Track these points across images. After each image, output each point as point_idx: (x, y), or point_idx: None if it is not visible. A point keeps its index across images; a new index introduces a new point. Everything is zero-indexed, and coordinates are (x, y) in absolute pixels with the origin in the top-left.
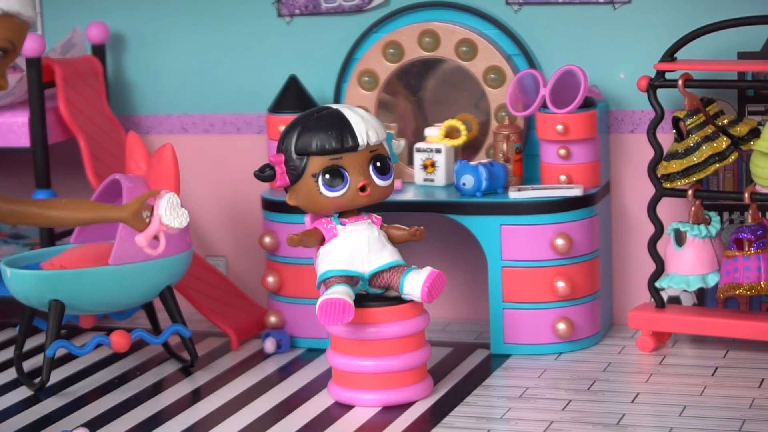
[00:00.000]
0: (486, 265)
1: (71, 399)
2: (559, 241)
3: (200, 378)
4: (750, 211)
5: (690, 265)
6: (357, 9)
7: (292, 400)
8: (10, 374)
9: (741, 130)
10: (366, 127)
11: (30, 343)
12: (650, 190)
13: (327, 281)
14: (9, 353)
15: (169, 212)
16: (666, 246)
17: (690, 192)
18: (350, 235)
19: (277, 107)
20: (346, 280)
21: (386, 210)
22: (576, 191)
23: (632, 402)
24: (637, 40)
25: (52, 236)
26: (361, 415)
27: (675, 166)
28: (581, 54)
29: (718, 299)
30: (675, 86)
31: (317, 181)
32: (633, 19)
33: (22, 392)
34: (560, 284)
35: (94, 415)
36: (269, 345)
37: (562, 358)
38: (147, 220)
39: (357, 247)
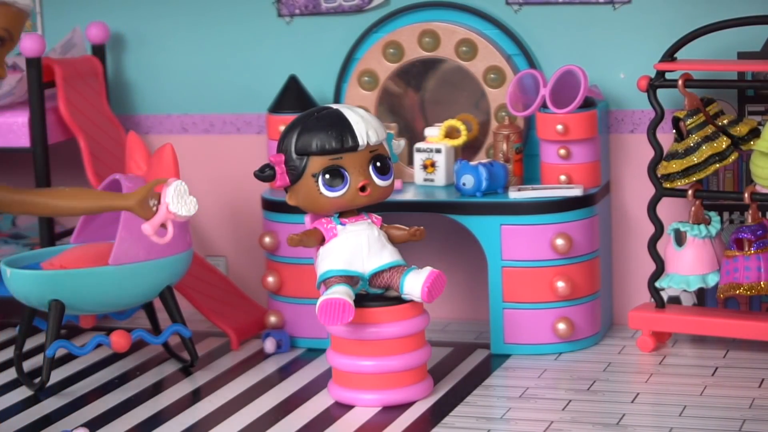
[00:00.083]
0: (486, 265)
1: (71, 399)
2: (559, 241)
3: (200, 378)
4: (750, 211)
5: (690, 265)
6: (357, 9)
7: (292, 400)
8: (10, 374)
9: (741, 130)
10: (366, 127)
11: (30, 343)
12: (650, 190)
13: (327, 281)
14: (9, 353)
15: (177, 200)
16: (666, 246)
17: (690, 192)
18: (350, 235)
19: (277, 107)
20: (346, 280)
21: (386, 210)
22: (576, 191)
23: (632, 402)
24: (637, 40)
25: (52, 236)
26: (361, 415)
27: (675, 166)
28: (581, 54)
29: (718, 299)
30: (675, 86)
31: (317, 181)
32: (633, 19)
33: (22, 392)
34: (560, 284)
35: (94, 415)
36: (269, 345)
37: (562, 358)
38: (154, 208)
39: (357, 247)
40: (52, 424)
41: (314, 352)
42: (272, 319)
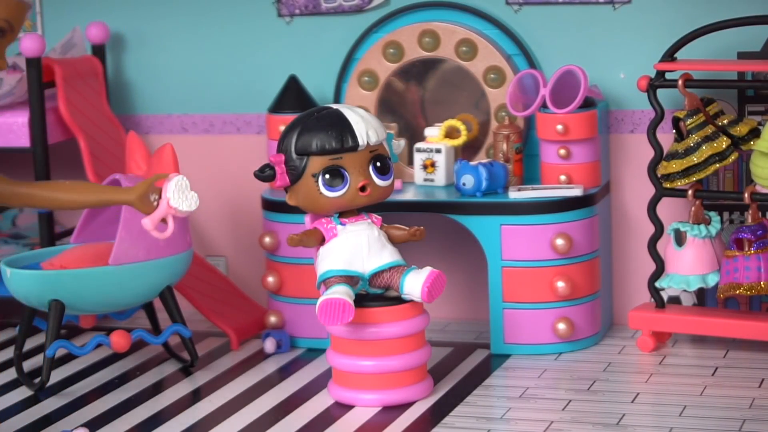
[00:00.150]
0: (486, 265)
1: (71, 399)
2: (559, 241)
3: (200, 378)
4: (750, 211)
5: (690, 265)
6: (357, 9)
7: (292, 400)
8: (10, 374)
9: (741, 130)
10: (366, 127)
11: (30, 343)
12: (650, 190)
13: (327, 281)
14: (9, 353)
15: (178, 195)
16: (666, 246)
17: (690, 192)
18: (350, 235)
19: (277, 107)
20: (346, 280)
21: (386, 210)
22: (576, 191)
23: (632, 402)
24: (637, 40)
25: (52, 236)
26: (361, 415)
27: (675, 166)
28: (581, 54)
29: (718, 299)
30: (675, 86)
31: (317, 181)
32: (633, 19)
33: (22, 392)
34: (560, 284)
35: (94, 415)
36: (269, 345)
37: (562, 358)
38: (155, 203)
39: (357, 247)
40: (52, 424)
41: (314, 352)
42: (272, 319)
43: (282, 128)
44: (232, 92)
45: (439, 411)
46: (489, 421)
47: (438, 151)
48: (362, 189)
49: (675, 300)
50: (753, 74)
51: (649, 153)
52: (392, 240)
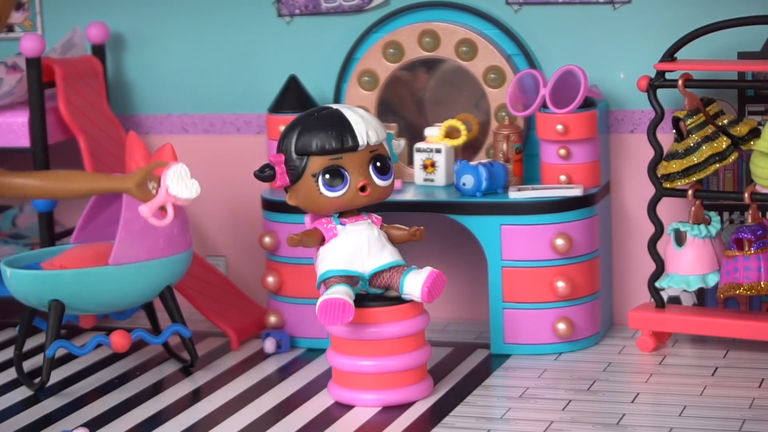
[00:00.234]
0: (486, 265)
1: (71, 399)
2: (559, 241)
3: (200, 378)
4: (750, 211)
5: (690, 265)
6: (357, 9)
7: (292, 400)
8: (10, 374)
9: (741, 130)
10: (366, 127)
11: (30, 343)
12: (650, 190)
13: (327, 281)
14: (9, 353)
15: (178, 182)
16: (666, 246)
17: (690, 192)
18: (350, 235)
19: (277, 107)
20: (346, 280)
21: (386, 210)
22: (576, 191)
23: (632, 402)
24: (637, 40)
25: (52, 236)
26: (361, 415)
27: (675, 166)
28: (581, 54)
29: (718, 299)
30: (675, 86)
31: (317, 181)
32: (633, 19)
33: (22, 392)
34: (560, 284)
35: (94, 415)
36: (269, 345)
37: (562, 358)
38: (154, 191)
39: (357, 247)
40: (52, 424)
41: (314, 352)
42: (272, 319)
43: (282, 128)
44: (232, 92)
45: (439, 411)
46: (489, 421)
47: (438, 151)
48: (362, 189)
49: (675, 300)
50: (753, 74)
51: (649, 153)
52: (392, 240)
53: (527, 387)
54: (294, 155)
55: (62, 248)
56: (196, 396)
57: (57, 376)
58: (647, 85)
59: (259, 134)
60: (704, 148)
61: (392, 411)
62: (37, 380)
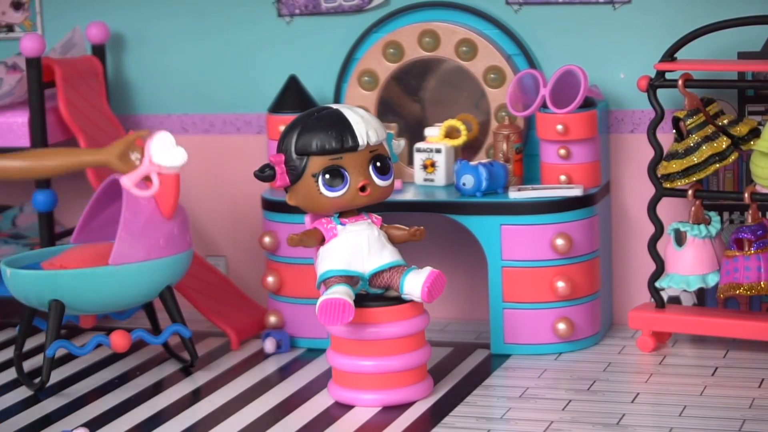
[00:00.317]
0: (486, 265)
1: (71, 399)
2: (559, 241)
3: (200, 378)
4: (750, 211)
5: (690, 265)
6: (357, 9)
7: (292, 400)
8: (10, 374)
9: (741, 130)
10: (366, 127)
11: (30, 343)
12: (650, 190)
13: (327, 281)
14: (9, 353)
15: (161, 151)
16: (666, 246)
17: (690, 192)
18: (350, 235)
19: (277, 107)
20: (346, 280)
21: (386, 210)
22: (576, 191)
23: (632, 402)
24: (637, 40)
25: (52, 236)
26: (361, 415)
27: (675, 166)
28: (581, 54)
29: (718, 299)
30: (675, 86)
31: (317, 181)
32: (633, 19)
33: (22, 392)
34: (560, 284)
35: (94, 415)
36: (269, 345)
37: (562, 358)
38: (137, 162)
39: (357, 247)
40: (52, 424)
41: (314, 352)
42: (272, 319)
43: (282, 128)
44: (232, 92)
45: (439, 411)
46: (489, 421)
47: (438, 151)
48: (362, 189)
49: (675, 300)
50: (753, 74)
51: (649, 153)
52: (392, 240)
53: (527, 387)
54: (294, 155)
55: (62, 248)
56: (196, 396)
57: (57, 376)
58: (647, 85)
59: (259, 134)
60: (704, 148)
61: (392, 411)
62: (37, 380)
